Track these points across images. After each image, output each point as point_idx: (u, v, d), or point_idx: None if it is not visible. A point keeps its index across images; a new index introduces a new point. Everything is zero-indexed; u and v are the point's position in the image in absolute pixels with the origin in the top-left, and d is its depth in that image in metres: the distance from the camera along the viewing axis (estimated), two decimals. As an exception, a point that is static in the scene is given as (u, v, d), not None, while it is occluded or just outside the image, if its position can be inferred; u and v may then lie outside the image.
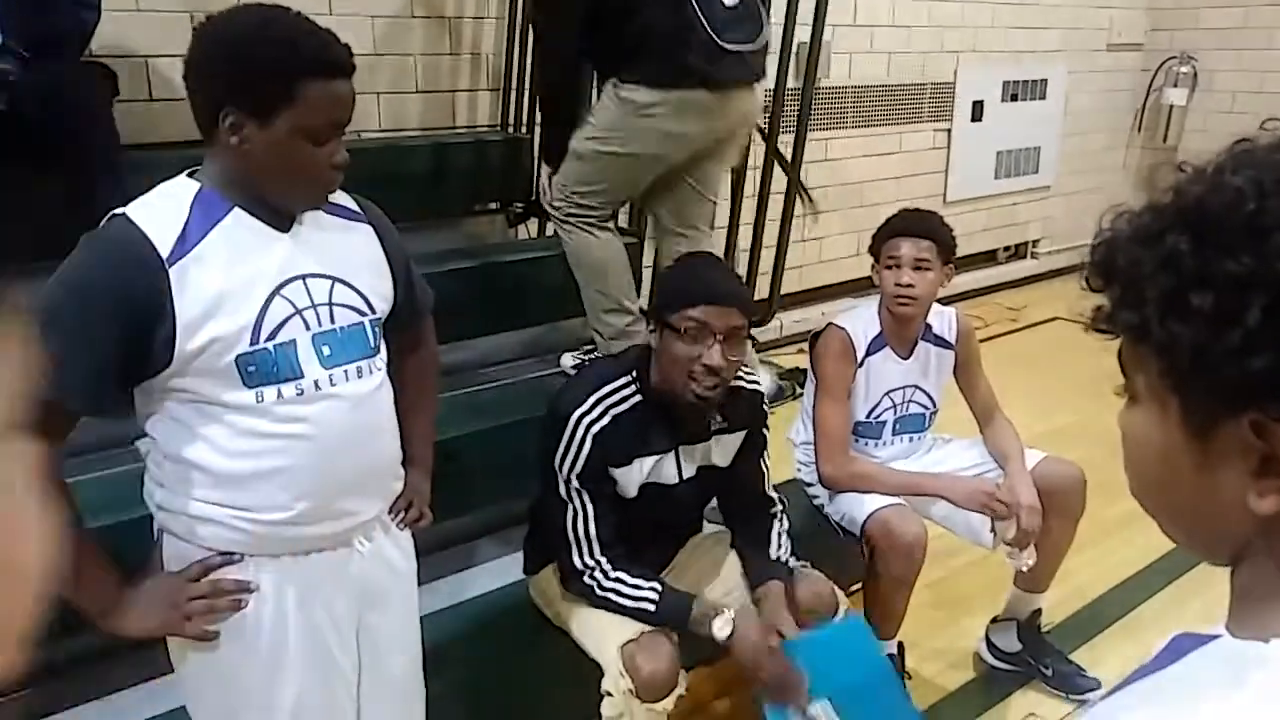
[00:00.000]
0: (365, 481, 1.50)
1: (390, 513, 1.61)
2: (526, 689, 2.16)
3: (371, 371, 1.48)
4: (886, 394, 2.51)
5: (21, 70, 2.25)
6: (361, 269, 1.49)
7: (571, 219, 2.60)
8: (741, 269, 3.06)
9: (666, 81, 2.39)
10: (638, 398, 1.95)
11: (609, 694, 1.86)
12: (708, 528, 2.28)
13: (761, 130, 3.14)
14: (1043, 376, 4.54)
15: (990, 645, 2.67)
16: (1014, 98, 5.96)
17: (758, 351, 3.80)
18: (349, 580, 1.52)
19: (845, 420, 2.47)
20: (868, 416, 2.52)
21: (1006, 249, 6.46)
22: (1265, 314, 0.54)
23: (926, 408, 2.57)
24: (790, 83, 3.07)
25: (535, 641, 2.14)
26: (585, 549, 1.93)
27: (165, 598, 1.40)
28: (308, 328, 1.39)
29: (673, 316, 1.84)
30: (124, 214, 1.32)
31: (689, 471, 2.04)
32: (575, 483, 1.91)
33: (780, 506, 2.17)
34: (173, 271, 1.29)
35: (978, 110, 5.77)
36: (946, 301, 2.57)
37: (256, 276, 1.36)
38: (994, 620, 2.67)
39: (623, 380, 1.95)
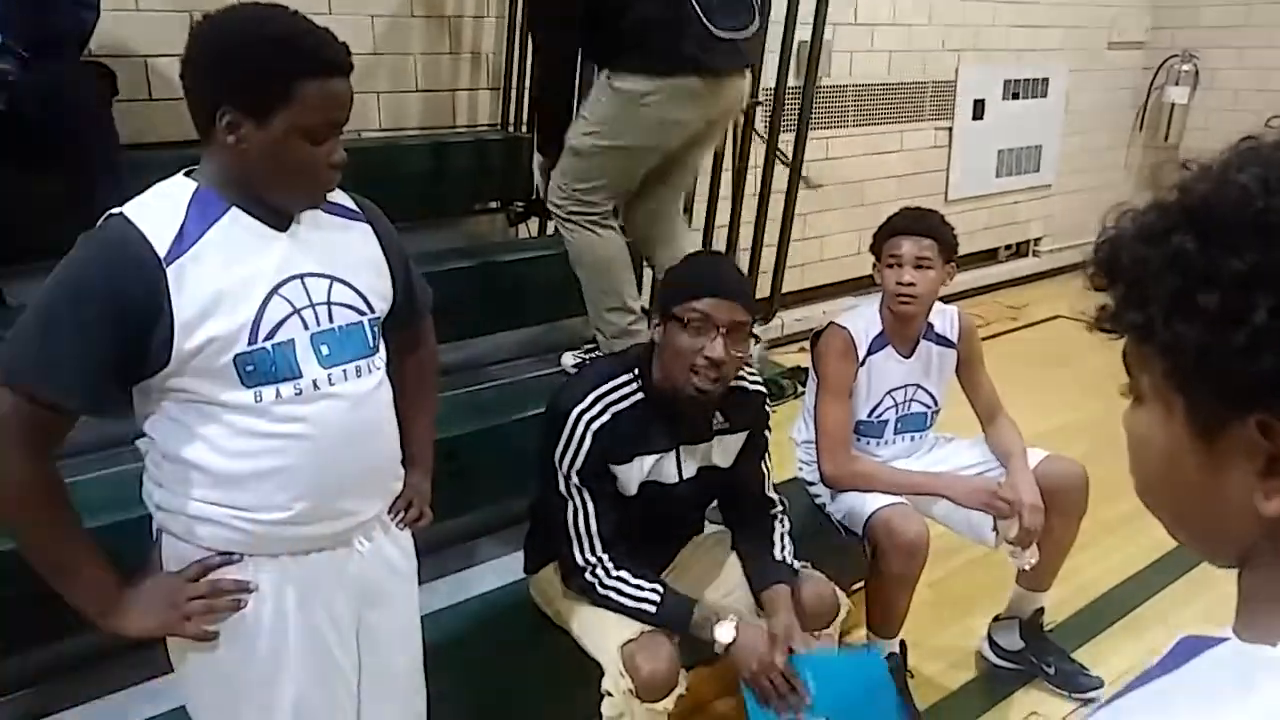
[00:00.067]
0: (364, 481, 1.50)
1: (390, 512, 1.61)
2: (527, 688, 2.15)
3: (370, 371, 1.48)
4: (888, 393, 2.51)
5: (21, 70, 2.25)
6: (360, 268, 1.49)
7: (575, 217, 2.60)
8: (743, 267, 3.05)
9: (661, 69, 2.39)
10: (639, 395, 1.95)
11: (609, 694, 1.86)
12: (709, 528, 2.27)
13: (759, 133, 3.13)
14: (1044, 375, 4.53)
15: (992, 644, 2.66)
16: (1015, 96, 5.95)
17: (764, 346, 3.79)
18: (349, 580, 1.51)
19: (847, 419, 2.46)
20: (869, 415, 2.52)
21: (1008, 247, 6.46)
22: (1272, 313, 0.53)
23: (928, 407, 2.57)
24: (791, 81, 3.07)
25: (536, 641, 2.14)
26: (586, 546, 1.93)
27: (164, 598, 1.39)
28: (306, 327, 1.39)
29: (677, 308, 1.86)
30: (121, 213, 1.31)
31: (689, 471, 2.03)
32: (575, 479, 1.91)
33: (781, 507, 2.17)
34: (170, 271, 1.28)
35: (979, 109, 5.76)
36: (947, 300, 2.56)
37: (254, 276, 1.35)
38: (996, 619, 2.67)
39: (624, 378, 1.95)
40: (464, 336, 2.83)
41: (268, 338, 1.35)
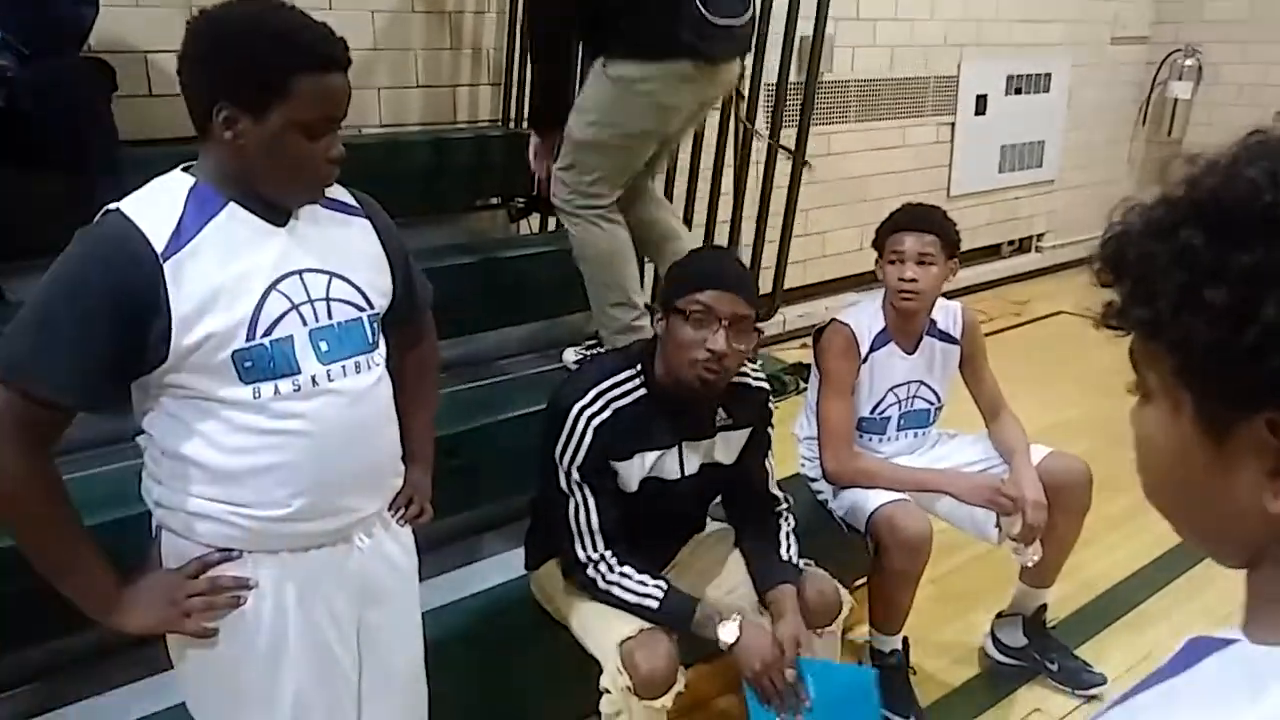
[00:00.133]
0: (364, 478, 1.49)
1: (391, 509, 1.60)
2: (529, 685, 2.15)
3: (370, 367, 1.47)
4: (891, 389, 2.50)
5: (19, 66, 2.24)
6: (359, 264, 1.48)
7: (580, 211, 2.60)
8: (745, 263, 3.05)
9: (655, 54, 2.40)
10: (642, 391, 1.94)
11: (607, 691, 1.85)
12: (711, 525, 2.27)
13: (758, 132, 3.13)
14: (1047, 370, 4.52)
15: (995, 640, 2.66)
16: (1018, 91, 5.94)
17: (761, 346, 3.79)
18: (349, 577, 1.51)
19: (849, 416, 2.46)
20: (872, 412, 2.51)
21: (1010, 243, 6.45)
22: None
23: (931, 403, 2.56)
24: (793, 76, 3.05)
25: (537, 637, 2.14)
26: (588, 542, 1.93)
27: (164, 595, 1.39)
28: (305, 323, 1.38)
29: (679, 301, 1.86)
30: (118, 209, 1.31)
31: (692, 468, 2.03)
32: (576, 475, 1.91)
33: (786, 505, 2.16)
34: (167, 266, 1.27)
35: (981, 104, 5.75)
36: (950, 296, 2.56)
37: (252, 271, 1.34)
38: (999, 615, 2.66)
39: (627, 374, 1.95)
40: (465, 333, 2.82)
41: (266, 334, 1.34)
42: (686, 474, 2.02)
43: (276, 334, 1.35)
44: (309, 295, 1.39)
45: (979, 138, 5.81)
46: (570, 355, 2.88)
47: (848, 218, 5.19)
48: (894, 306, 2.43)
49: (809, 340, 2.64)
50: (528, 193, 3.58)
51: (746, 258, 3.07)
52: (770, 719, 1.87)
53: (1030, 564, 2.39)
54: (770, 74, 3.04)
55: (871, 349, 2.46)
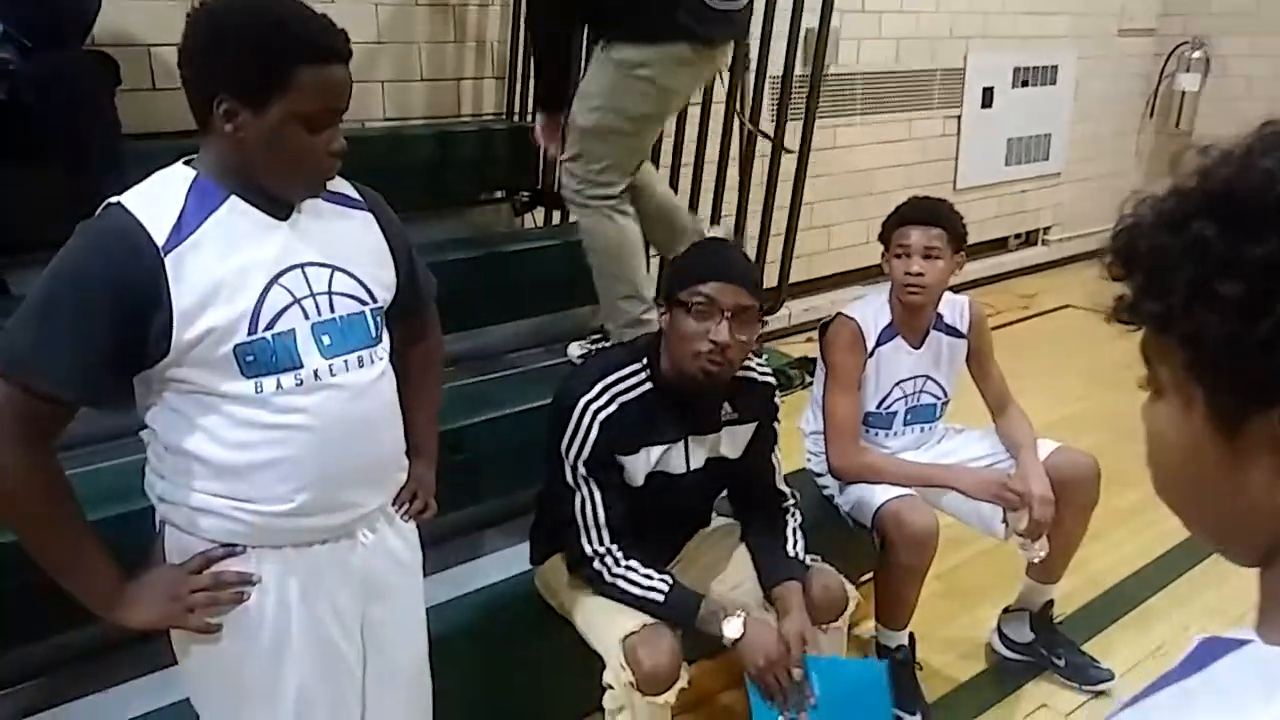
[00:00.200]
0: (367, 472, 1.49)
1: (394, 504, 1.60)
2: (533, 680, 2.15)
3: (373, 361, 1.46)
4: (897, 384, 2.49)
5: (22, 59, 2.24)
6: (362, 257, 1.48)
7: (592, 202, 2.60)
8: (750, 257, 3.04)
9: (653, 38, 2.42)
10: (648, 385, 1.94)
11: (610, 686, 1.85)
12: (716, 520, 2.26)
13: (763, 132, 3.12)
14: (1054, 364, 4.51)
15: (1002, 636, 2.65)
16: (1024, 84, 5.91)
17: (766, 340, 3.78)
18: (352, 572, 1.50)
19: (855, 411, 2.45)
20: (878, 407, 2.50)
21: (1017, 236, 6.42)
22: None
23: (938, 398, 2.55)
24: (798, 69, 3.04)
25: (541, 633, 2.13)
26: (595, 536, 1.93)
27: (167, 590, 1.39)
28: (307, 317, 1.37)
29: (682, 294, 1.86)
30: (119, 202, 1.30)
31: (697, 462, 2.02)
32: (582, 469, 1.91)
33: (793, 501, 2.16)
34: (168, 260, 1.27)
35: (988, 96, 5.72)
36: (956, 290, 2.54)
37: (253, 265, 1.34)
38: (1006, 610, 2.65)
39: (633, 368, 1.95)
40: (469, 326, 2.82)
41: (268, 328, 1.33)
42: (692, 468, 2.02)
43: (278, 328, 1.34)
44: (311, 289, 1.38)
45: (985, 130, 5.78)
46: (575, 349, 2.87)
47: (853, 211, 5.17)
48: (900, 301, 2.42)
49: (814, 334, 2.64)
50: (532, 186, 3.58)
51: (752, 252, 3.06)
52: (773, 717, 1.86)
53: (1037, 559, 2.38)
54: (775, 67, 3.02)
55: (878, 343, 2.45)
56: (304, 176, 1.38)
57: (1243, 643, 0.56)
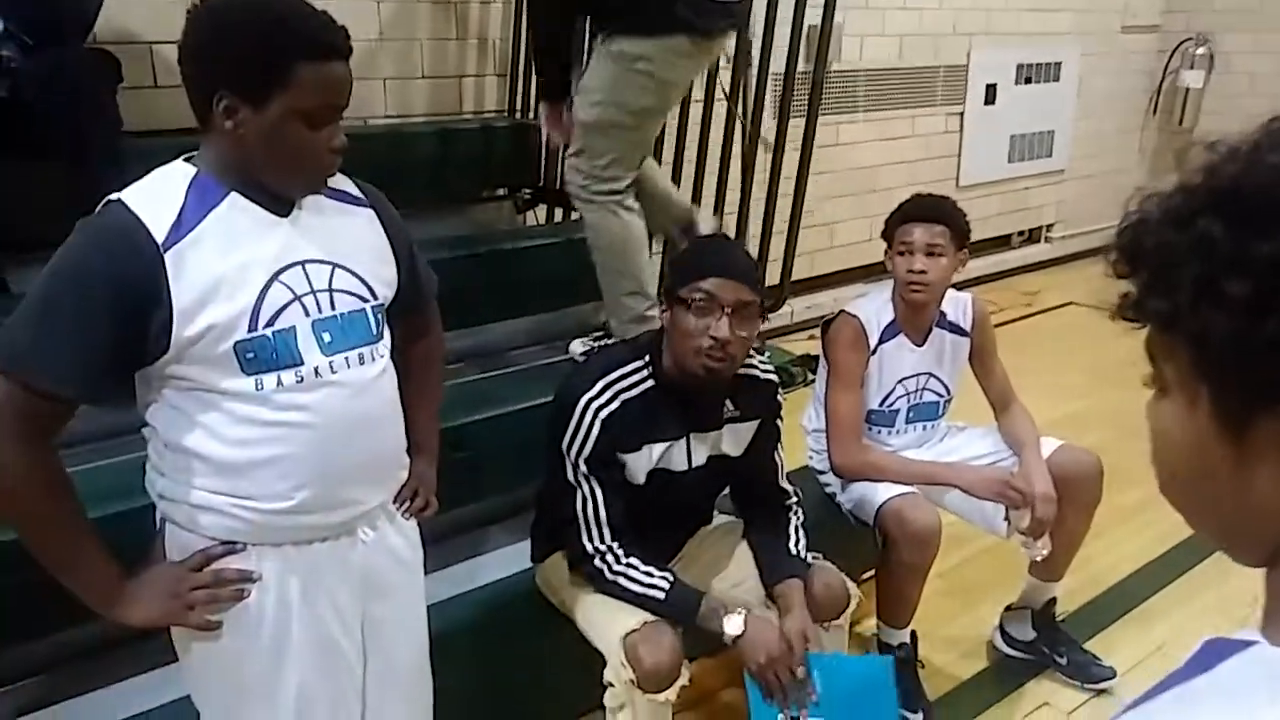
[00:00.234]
0: (368, 470, 1.48)
1: (395, 502, 1.59)
2: (533, 678, 2.15)
3: (374, 358, 1.46)
4: (900, 382, 2.48)
5: (23, 57, 2.24)
6: (363, 254, 1.47)
7: (597, 198, 2.60)
8: (752, 254, 3.03)
9: (652, 31, 2.42)
10: (650, 383, 1.94)
11: (611, 685, 1.85)
12: (718, 518, 2.26)
13: (756, 135, 3.11)
14: (1057, 361, 4.50)
15: (1004, 634, 2.64)
16: (1028, 80, 5.90)
17: (769, 338, 3.78)
18: (353, 570, 1.50)
19: (857, 408, 2.44)
20: (881, 404, 2.49)
21: (1020, 233, 6.41)
22: None
23: (941, 396, 2.54)
24: (801, 66, 3.03)
25: (542, 630, 2.13)
26: (595, 534, 1.92)
27: (167, 588, 1.39)
28: (307, 314, 1.37)
29: (682, 290, 1.86)
30: (119, 199, 1.30)
31: (699, 459, 2.02)
32: (583, 467, 1.91)
33: (796, 499, 2.15)
34: (168, 257, 1.26)
35: (991, 93, 5.71)
36: (959, 287, 2.53)
37: (254, 262, 1.34)
38: (1008, 609, 2.65)
39: (634, 365, 1.95)
40: (471, 324, 2.81)
41: (268, 324, 1.33)
42: (694, 465, 2.02)
43: (279, 325, 1.34)
44: (311, 286, 1.38)
45: (988, 127, 5.77)
46: (577, 347, 2.87)
47: (856, 208, 5.16)
48: (903, 298, 2.41)
49: (817, 332, 2.63)
50: (534, 183, 3.58)
51: (754, 249, 3.06)
52: (773, 715, 1.85)
53: (1039, 558, 2.37)
54: (778, 64, 3.02)
55: (880, 341, 2.44)
56: (304, 173, 1.38)
57: (1248, 644, 0.56)
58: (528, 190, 3.60)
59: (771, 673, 1.84)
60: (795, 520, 2.12)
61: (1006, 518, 2.35)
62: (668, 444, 1.97)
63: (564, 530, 1.97)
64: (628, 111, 2.51)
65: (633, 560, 1.92)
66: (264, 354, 1.33)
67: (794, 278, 3.29)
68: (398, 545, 1.58)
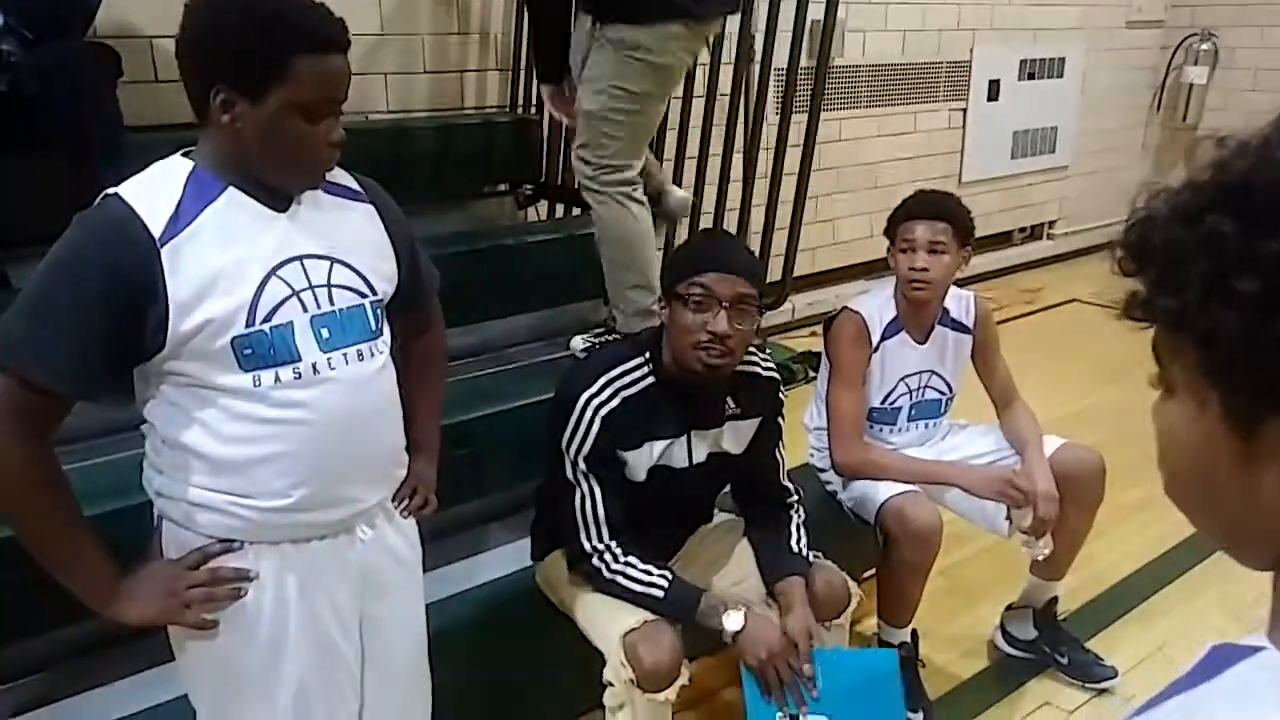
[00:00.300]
0: (366, 467, 1.47)
1: (394, 500, 1.59)
2: (533, 677, 2.14)
3: (373, 355, 1.45)
4: (902, 379, 2.47)
5: (24, 51, 2.23)
6: (362, 250, 1.46)
7: (607, 189, 2.60)
8: (755, 250, 3.02)
9: (649, 18, 2.44)
10: (650, 380, 1.93)
11: (611, 684, 1.84)
12: (719, 516, 2.25)
13: (758, 125, 3.11)
14: (1059, 359, 4.49)
15: (1005, 633, 2.64)
16: (1031, 76, 5.88)
17: (770, 334, 3.77)
18: (350, 568, 1.49)
19: (859, 406, 2.43)
20: (883, 402, 2.48)
21: (1022, 230, 6.40)
22: None
23: (943, 393, 2.53)
24: (804, 61, 3.02)
25: (543, 628, 2.12)
26: (594, 532, 1.92)
27: (164, 586, 1.38)
28: (305, 310, 1.36)
29: (680, 286, 1.86)
30: (115, 193, 1.29)
31: (699, 456, 2.01)
32: (583, 465, 1.90)
33: (796, 497, 2.15)
34: (165, 251, 1.26)
35: (994, 89, 5.70)
36: (960, 283, 2.52)
37: (251, 257, 1.33)
38: (1009, 608, 2.64)
39: (635, 362, 1.94)
40: (472, 320, 2.80)
41: (265, 320, 1.32)
42: (694, 463, 2.01)
43: (276, 320, 1.33)
44: (310, 281, 1.37)
45: (991, 123, 5.75)
46: (578, 343, 2.86)
47: (858, 205, 5.15)
48: (905, 296, 2.40)
49: (818, 329, 2.62)
50: (536, 179, 3.57)
51: (756, 245, 3.05)
52: (771, 713, 1.85)
53: (1041, 557, 2.36)
54: (781, 59, 3.00)
55: (883, 338, 2.43)
56: (302, 167, 1.37)
57: (1256, 649, 0.55)
58: (529, 186, 3.60)
59: (771, 668, 1.83)
60: (796, 518, 2.11)
61: (1008, 517, 2.34)
62: (668, 441, 1.96)
63: (563, 528, 1.97)
64: (630, 97, 2.52)
65: (631, 559, 1.91)
66: (261, 350, 1.32)
67: (795, 274, 3.27)
68: (396, 544, 1.58)
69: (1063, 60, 6.01)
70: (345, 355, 1.40)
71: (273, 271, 1.34)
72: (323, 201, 1.44)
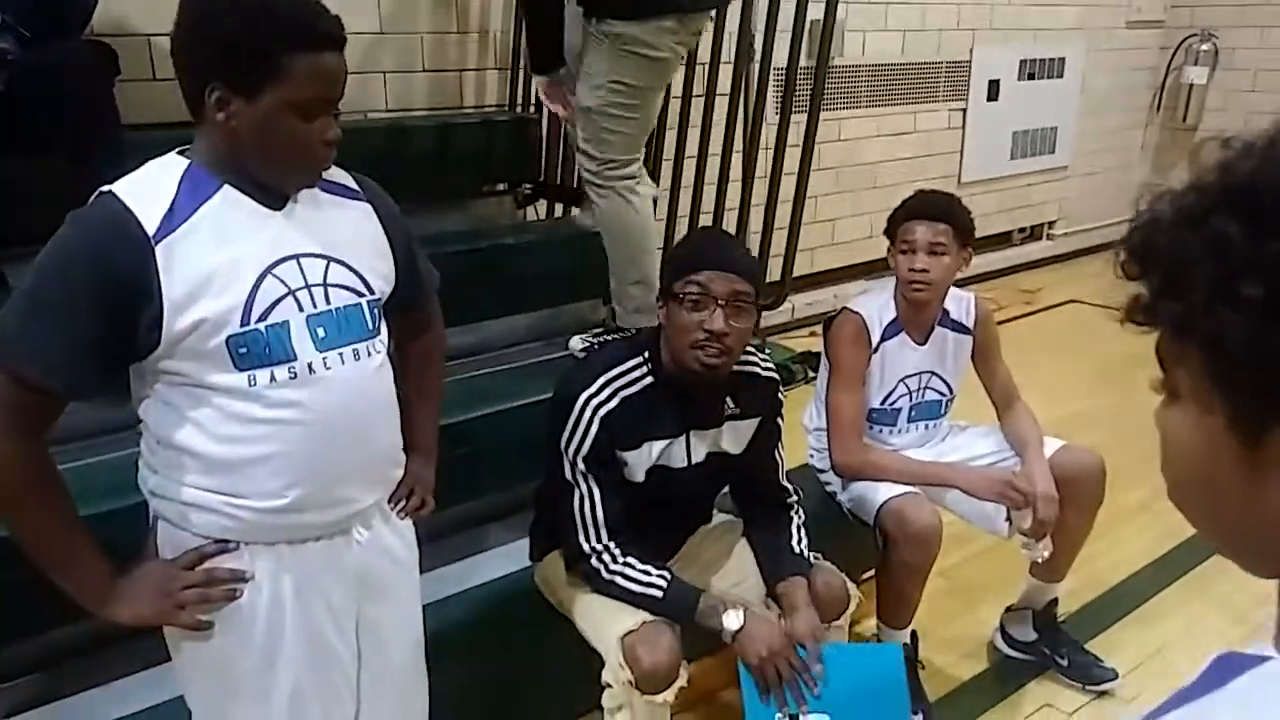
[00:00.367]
0: (362, 468, 1.47)
1: (391, 501, 1.58)
2: (531, 678, 2.13)
3: (370, 354, 1.44)
4: (902, 380, 2.46)
5: (21, 50, 2.22)
6: (359, 248, 1.45)
7: (610, 183, 2.61)
8: (753, 250, 3.02)
9: (641, 13, 2.45)
10: (649, 380, 1.92)
11: (609, 685, 1.83)
12: (718, 517, 2.24)
13: (758, 124, 3.10)
14: (1058, 360, 4.48)
15: (1005, 635, 2.63)
16: (1031, 76, 5.87)
17: (769, 335, 3.76)
18: (347, 569, 1.48)
19: (859, 407, 2.43)
20: (883, 403, 2.48)
21: (1022, 230, 6.39)
22: None
23: (943, 395, 2.52)
24: (803, 61, 3.01)
25: (541, 629, 2.12)
26: (592, 533, 1.91)
27: (158, 586, 1.37)
28: (301, 309, 1.35)
29: (677, 285, 1.86)
30: (110, 191, 1.28)
31: (698, 456, 2.00)
32: (581, 465, 1.89)
33: (796, 498, 2.14)
34: (159, 249, 1.25)
35: (994, 89, 5.69)
36: (960, 284, 2.52)
37: (246, 256, 1.32)
38: (1009, 609, 2.63)
39: (634, 362, 1.93)
40: (471, 320, 2.80)
41: (261, 319, 1.31)
42: (693, 463, 2.00)
43: (272, 319, 1.32)
44: (306, 280, 1.36)
45: (991, 124, 5.75)
46: (577, 343, 2.85)
47: (857, 205, 5.15)
48: (905, 297, 2.39)
49: (818, 329, 2.62)
50: (535, 178, 3.56)
51: (755, 245, 3.05)
52: (770, 714, 1.84)
53: (1041, 559, 2.35)
54: (780, 58, 3.00)
55: (882, 339, 2.42)
56: (297, 166, 1.36)
57: (1262, 659, 0.54)
58: (528, 185, 3.59)
59: (771, 667, 1.83)
60: (796, 519, 2.11)
61: (1008, 518, 2.34)
62: (667, 441, 1.95)
63: (561, 528, 1.96)
64: (629, 91, 2.53)
65: (629, 559, 1.90)
66: (256, 349, 1.31)
67: (795, 274, 3.26)
68: (393, 545, 1.57)
69: (1062, 60, 6.01)
70: (342, 355, 1.39)
71: (268, 270, 1.33)
72: (320, 200, 1.43)
